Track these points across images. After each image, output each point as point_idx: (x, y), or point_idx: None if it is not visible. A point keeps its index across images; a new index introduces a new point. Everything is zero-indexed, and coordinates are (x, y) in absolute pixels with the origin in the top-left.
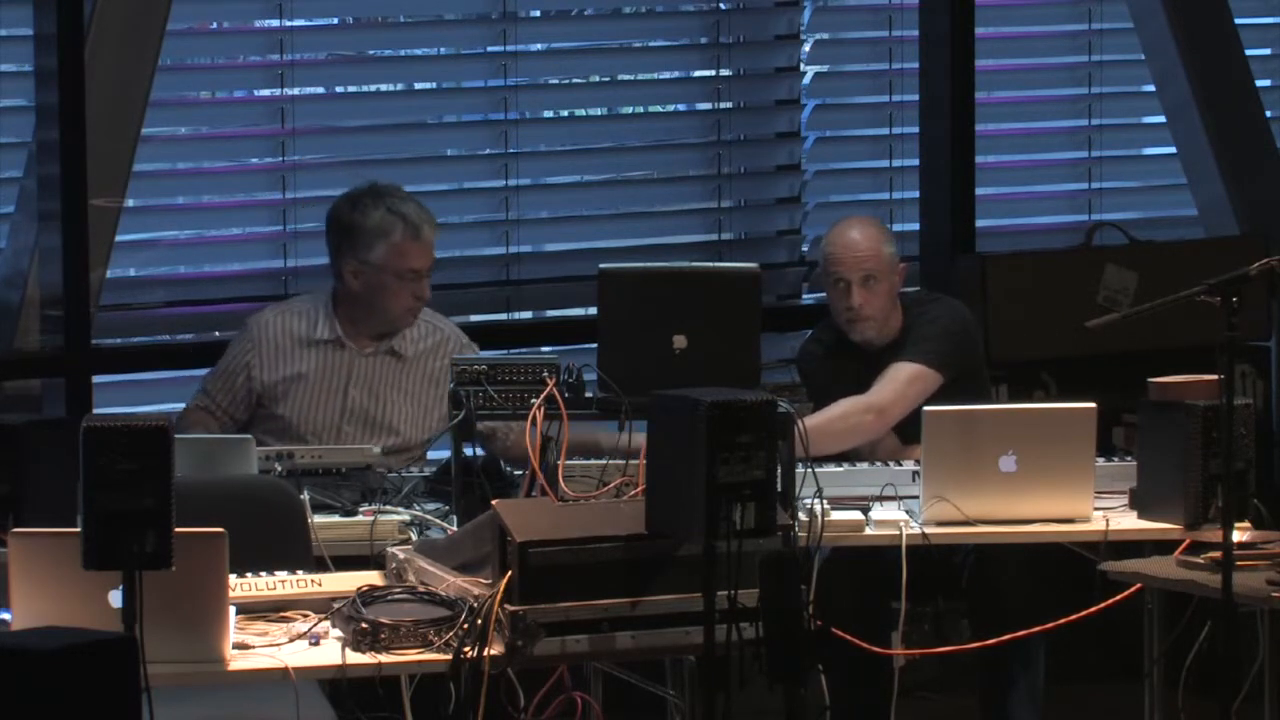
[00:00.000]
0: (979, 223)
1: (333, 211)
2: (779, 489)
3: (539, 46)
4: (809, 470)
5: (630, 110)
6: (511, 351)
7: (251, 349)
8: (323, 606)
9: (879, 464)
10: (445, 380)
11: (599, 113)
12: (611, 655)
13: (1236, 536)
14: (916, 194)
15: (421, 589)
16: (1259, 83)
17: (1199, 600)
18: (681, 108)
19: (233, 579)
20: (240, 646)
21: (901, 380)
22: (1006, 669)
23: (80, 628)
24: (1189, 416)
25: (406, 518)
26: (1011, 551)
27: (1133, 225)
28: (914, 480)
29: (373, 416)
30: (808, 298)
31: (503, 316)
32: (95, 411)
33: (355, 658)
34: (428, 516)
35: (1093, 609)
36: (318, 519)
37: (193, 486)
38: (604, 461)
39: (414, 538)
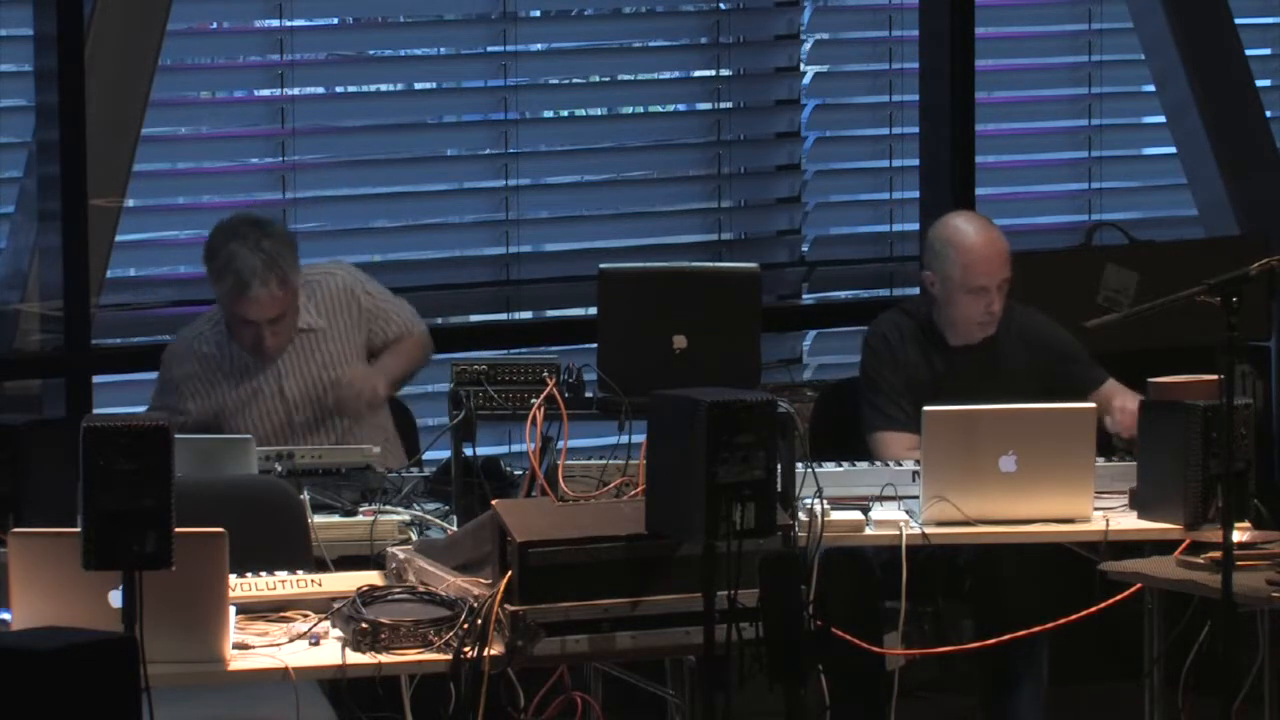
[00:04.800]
0: None
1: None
2: (779, 489)
3: (539, 46)
4: (809, 470)
5: (630, 110)
6: (511, 351)
7: (176, 387)
8: (323, 606)
9: (879, 464)
10: (363, 317)
11: (599, 113)
12: (611, 655)
13: (1236, 536)
14: (916, 194)
15: (421, 589)
16: (1259, 83)
17: (1199, 600)
18: (681, 108)
19: (233, 579)
20: (240, 646)
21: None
22: (1010, 669)
23: (80, 628)
24: (1189, 416)
25: (406, 518)
26: (1015, 552)
27: (1133, 225)
28: (914, 480)
29: (317, 397)
30: (808, 298)
31: (503, 316)
32: (95, 411)
33: (355, 658)
34: (428, 516)
35: (1093, 609)
36: (318, 519)
37: (193, 486)
38: (604, 461)
39: (414, 538)
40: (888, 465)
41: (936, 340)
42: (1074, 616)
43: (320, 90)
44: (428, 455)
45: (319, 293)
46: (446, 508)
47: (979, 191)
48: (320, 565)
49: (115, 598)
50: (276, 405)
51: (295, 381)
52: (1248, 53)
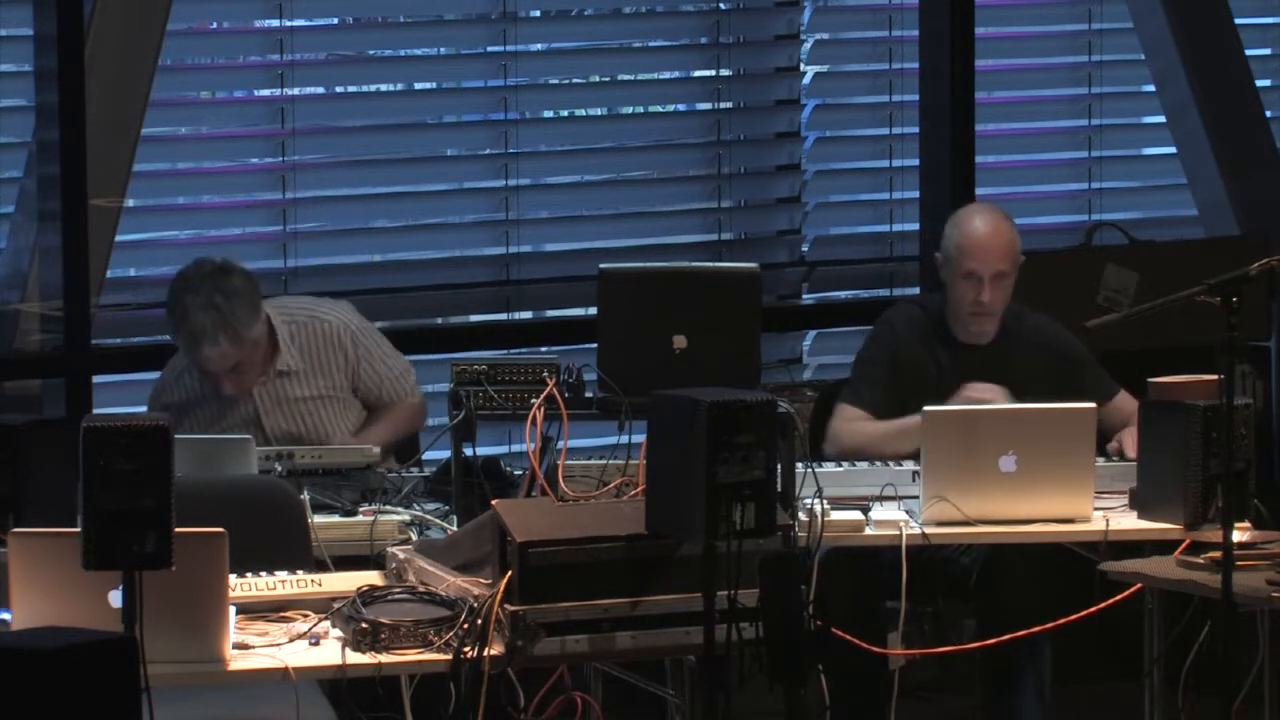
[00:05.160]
0: None
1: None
2: (779, 489)
3: (539, 46)
4: (809, 470)
5: (630, 110)
6: (511, 351)
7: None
8: (323, 606)
9: (879, 464)
10: (349, 366)
11: (599, 113)
12: (611, 655)
13: (1236, 536)
14: (916, 194)
15: (421, 589)
16: (1259, 83)
17: (1199, 600)
18: (681, 108)
19: (233, 579)
20: (240, 646)
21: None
22: (1013, 670)
23: (80, 628)
24: (1189, 416)
25: (406, 518)
26: (1019, 552)
27: (1133, 225)
28: (914, 480)
29: (297, 435)
30: (808, 298)
31: (503, 316)
32: (95, 411)
33: (355, 658)
34: (428, 516)
35: (1093, 609)
36: (318, 519)
37: (193, 486)
38: (604, 461)
39: (414, 538)
40: (887, 465)
41: (945, 336)
42: (1074, 616)
43: (320, 90)
44: (428, 455)
45: (303, 335)
46: (446, 508)
47: (979, 191)
48: (320, 565)
49: (115, 598)
50: (257, 439)
51: (273, 421)
52: (1248, 53)
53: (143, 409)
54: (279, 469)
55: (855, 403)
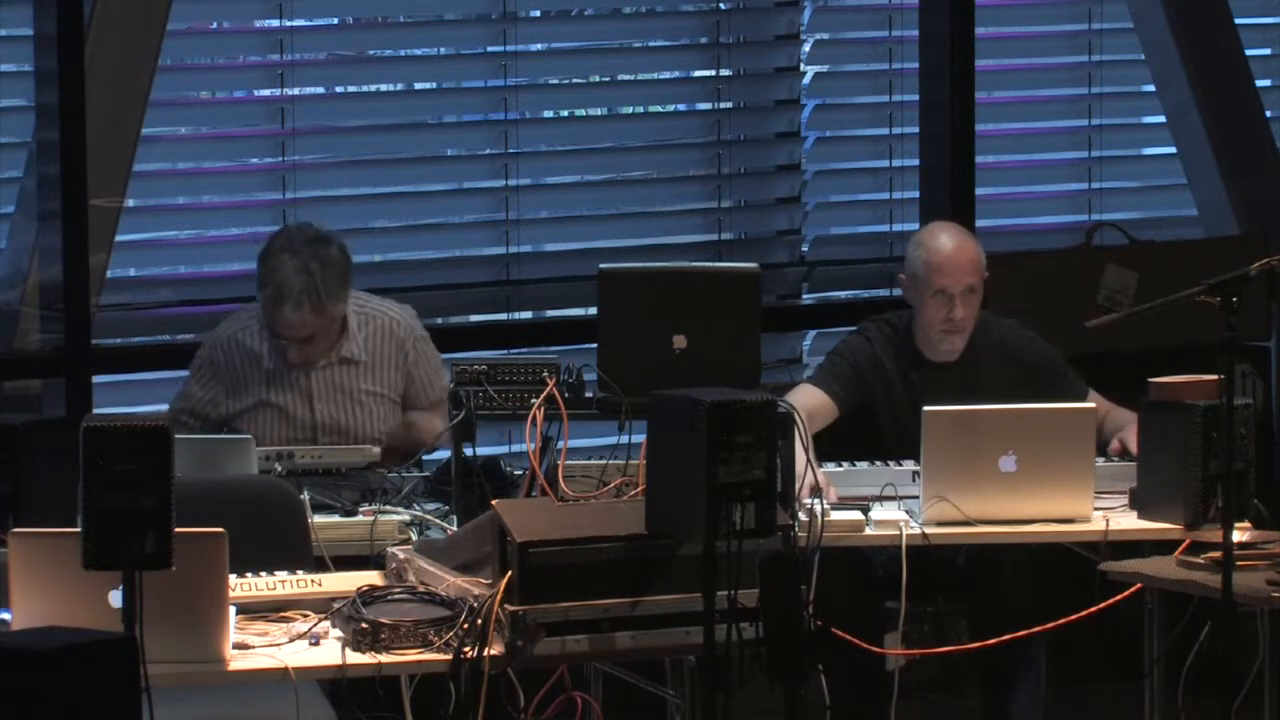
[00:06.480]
0: (979, 223)
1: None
2: (779, 489)
3: (539, 46)
4: (809, 470)
5: (630, 110)
6: (511, 351)
7: (215, 373)
8: (323, 606)
9: (879, 464)
10: (404, 366)
11: (599, 113)
12: (611, 655)
13: (1236, 536)
14: (916, 194)
15: (421, 589)
16: (1259, 83)
17: (1199, 600)
18: (681, 108)
19: (233, 579)
20: (240, 646)
21: (1106, 402)
22: (1008, 669)
23: (80, 628)
24: (1189, 416)
25: (406, 518)
26: (1012, 552)
27: (1133, 225)
28: (914, 480)
29: (345, 426)
30: (808, 298)
31: (503, 316)
32: (95, 411)
33: (355, 658)
34: (428, 516)
35: (1093, 609)
36: (318, 519)
37: (193, 486)
38: (604, 461)
39: (414, 538)
40: (886, 465)
41: (915, 356)
42: (1074, 616)
43: (320, 90)
44: (427, 455)
45: (370, 327)
46: (446, 508)
47: (979, 191)
48: (320, 565)
49: (115, 598)
50: (305, 421)
51: (326, 405)
52: (1248, 53)
53: (143, 409)
54: (279, 469)
55: (819, 385)
